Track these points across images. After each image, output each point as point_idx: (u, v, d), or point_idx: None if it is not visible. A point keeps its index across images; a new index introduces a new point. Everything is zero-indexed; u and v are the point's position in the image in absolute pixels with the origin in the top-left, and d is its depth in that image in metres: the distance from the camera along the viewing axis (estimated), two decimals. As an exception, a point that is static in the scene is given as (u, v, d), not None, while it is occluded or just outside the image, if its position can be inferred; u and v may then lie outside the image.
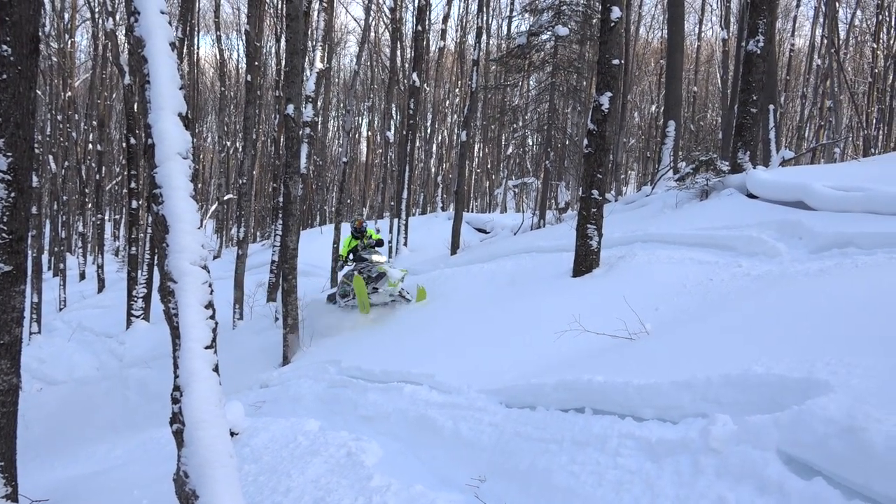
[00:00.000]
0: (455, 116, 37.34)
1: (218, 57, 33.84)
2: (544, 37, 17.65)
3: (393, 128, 28.51)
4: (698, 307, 6.47)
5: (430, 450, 5.38)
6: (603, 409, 4.30)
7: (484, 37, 29.14)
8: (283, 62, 18.29)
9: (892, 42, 28.63)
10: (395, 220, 20.69)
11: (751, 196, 9.66)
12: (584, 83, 19.41)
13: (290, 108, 10.12)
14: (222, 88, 33.94)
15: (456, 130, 33.71)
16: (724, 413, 3.40)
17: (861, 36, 31.99)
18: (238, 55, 41.82)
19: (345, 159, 18.51)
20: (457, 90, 36.98)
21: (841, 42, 27.03)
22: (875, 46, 28.26)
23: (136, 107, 16.97)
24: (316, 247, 20.62)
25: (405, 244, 20.50)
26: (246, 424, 6.22)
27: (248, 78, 17.33)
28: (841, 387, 3.02)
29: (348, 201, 41.53)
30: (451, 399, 5.87)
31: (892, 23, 28.95)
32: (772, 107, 16.90)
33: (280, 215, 13.67)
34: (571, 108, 23.05)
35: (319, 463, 4.96)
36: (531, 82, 24.58)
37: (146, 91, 3.59)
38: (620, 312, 6.21)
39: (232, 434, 5.88)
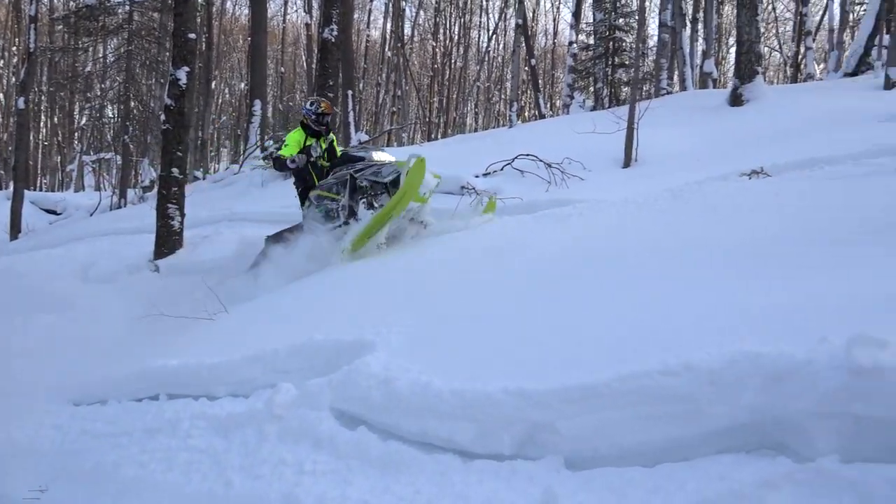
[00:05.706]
0: (13, 80, 32.07)
1: None
2: (118, -1, 16.22)
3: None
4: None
5: (-26, 469, 4.66)
6: (178, 392, 4.23)
7: (46, -10, 25.50)
8: None
9: (447, 42, 33.11)
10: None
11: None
12: (167, 55, 18.37)
13: None
14: None
15: (14, 96, 28.95)
16: (289, 381, 3.63)
17: (424, 34, 36.28)
18: None
19: None
20: (14, 49, 31.78)
21: (407, 38, 30.31)
22: (434, 44, 32.40)
23: None
24: None
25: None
26: None
27: None
28: (383, 345, 3.48)
29: None
30: (8, 402, 5.16)
31: (448, 25, 33.51)
32: (350, 92, 18.23)
33: None
34: (154, 80, 21.64)
35: None
36: (109, 48, 22.35)
37: None
38: (200, 293, 6.14)
39: None
